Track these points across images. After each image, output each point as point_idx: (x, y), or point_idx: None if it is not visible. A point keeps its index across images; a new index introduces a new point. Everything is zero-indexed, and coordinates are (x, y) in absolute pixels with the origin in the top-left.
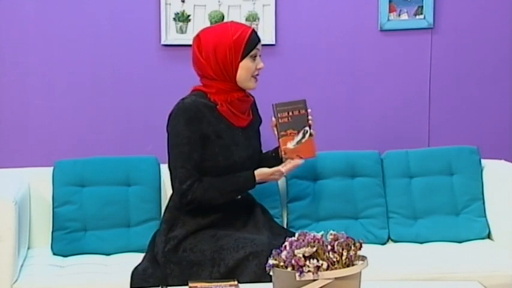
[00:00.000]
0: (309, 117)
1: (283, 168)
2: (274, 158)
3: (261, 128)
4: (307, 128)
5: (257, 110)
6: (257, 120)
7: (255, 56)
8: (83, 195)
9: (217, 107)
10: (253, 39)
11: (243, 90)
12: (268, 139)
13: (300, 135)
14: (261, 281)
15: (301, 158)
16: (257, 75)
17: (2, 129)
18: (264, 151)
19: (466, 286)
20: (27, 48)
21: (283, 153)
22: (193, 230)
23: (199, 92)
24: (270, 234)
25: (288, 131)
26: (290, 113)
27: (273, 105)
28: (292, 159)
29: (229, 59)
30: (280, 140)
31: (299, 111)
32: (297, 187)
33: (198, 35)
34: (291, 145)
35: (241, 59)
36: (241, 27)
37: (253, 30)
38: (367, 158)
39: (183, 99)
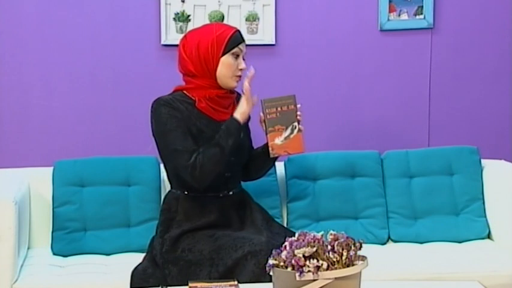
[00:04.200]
0: (298, 112)
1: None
2: (263, 154)
3: (252, 124)
4: (295, 124)
5: None
6: None
7: (237, 56)
8: (83, 195)
9: (196, 103)
10: (237, 37)
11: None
12: (258, 135)
13: (288, 130)
14: (260, 281)
15: (289, 153)
16: (239, 76)
17: (2, 129)
18: (254, 147)
19: (466, 286)
20: (27, 48)
21: (270, 149)
22: (188, 230)
23: (178, 92)
24: (269, 233)
25: (276, 127)
26: (279, 109)
27: (261, 100)
28: (280, 154)
29: (211, 53)
30: (268, 135)
31: (288, 107)
32: (297, 187)
33: (185, 36)
34: (278, 141)
35: (223, 54)
36: (225, 26)
37: (238, 30)
38: (367, 158)
39: (158, 97)
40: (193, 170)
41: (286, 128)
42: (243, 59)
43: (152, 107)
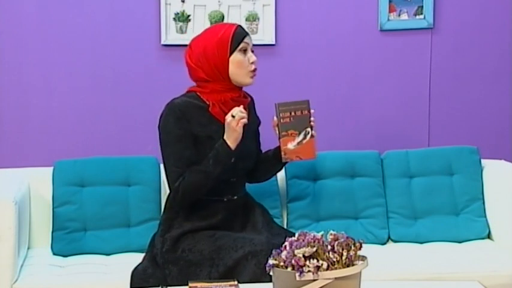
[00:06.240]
0: (311, 118)
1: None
2: (274, 158)
3: (260, 128)
4: (308, 129)
5: (255, 111)
6: (254, 121)
7: (245, 50)
8: (83, 195)
9: (209, 108)
10: (239, 33)
11: (239, 89)
12: (267, 139)
13: (301, 136)
14: (260, 281)
15: (301, 159)
16: (254, 70)
17: (2, 129)
18: (263, 151)
19: (466, 286)
20: (27, 48)
21: (283, 153)
22: (190, 231)
23: (192, 94)
24: (269, 234)
25: (289, 131)
26: (292, 113)
27: (275, 104)
28: (292, 159)
29: (219, 56)
30: (281, 140)
31: (302, 112)
32: (297, 187)
33: (189, 45)
34: (291, 146)
35: (230, 54)
36: (225, 25)
37: (239, 25)
38: (367, 158)
39: (173, 99)
40: (176, 194)
41: (299, 133)
42: (252, 51)
43: (164, 109)
